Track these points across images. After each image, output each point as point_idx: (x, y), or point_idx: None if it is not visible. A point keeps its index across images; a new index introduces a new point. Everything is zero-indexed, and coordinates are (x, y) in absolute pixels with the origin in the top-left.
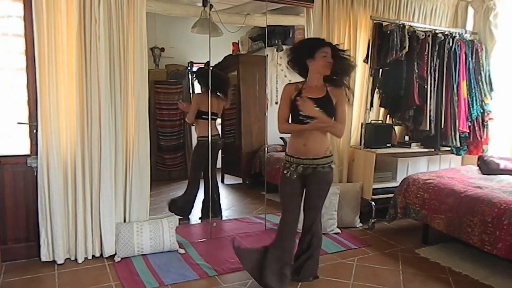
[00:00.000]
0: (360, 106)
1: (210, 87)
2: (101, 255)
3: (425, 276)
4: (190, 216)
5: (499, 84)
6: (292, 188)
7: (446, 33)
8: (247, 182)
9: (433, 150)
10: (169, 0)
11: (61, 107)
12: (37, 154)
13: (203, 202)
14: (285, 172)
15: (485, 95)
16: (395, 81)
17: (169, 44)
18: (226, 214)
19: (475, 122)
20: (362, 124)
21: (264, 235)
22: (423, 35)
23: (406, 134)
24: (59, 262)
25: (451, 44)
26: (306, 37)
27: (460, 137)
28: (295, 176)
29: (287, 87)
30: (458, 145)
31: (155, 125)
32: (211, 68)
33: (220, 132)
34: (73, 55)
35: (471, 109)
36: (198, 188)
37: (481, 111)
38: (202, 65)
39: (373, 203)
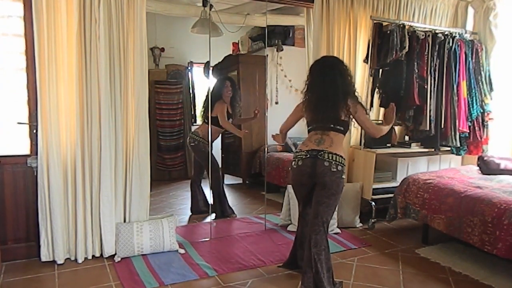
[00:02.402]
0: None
1: (210, 91)
2: (101, 255)
3: (425, 276)
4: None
5: (499, 84)
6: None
7: (446, 33)
8: (247, 182)
9: (433, 150)
10: (169, 0)
11: (61, 107)
12: (37, 154)
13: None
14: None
15: (485, 95)
16: (395, 81)
17: (169, 44)
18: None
19: (475, 122)
20: None
21: (264, 235)
22: (423, 35)
23: (406, 134)
24: (59, 262)
25: (451, 44)
26: (306, 37)
27: (460, 137)
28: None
29: None
30: (458, 145)
31: (155, 125)
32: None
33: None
34: (73, 55)
35: (471, 109)
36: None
37: (481, 111)
38: (202, 65)
39: (373, 203)
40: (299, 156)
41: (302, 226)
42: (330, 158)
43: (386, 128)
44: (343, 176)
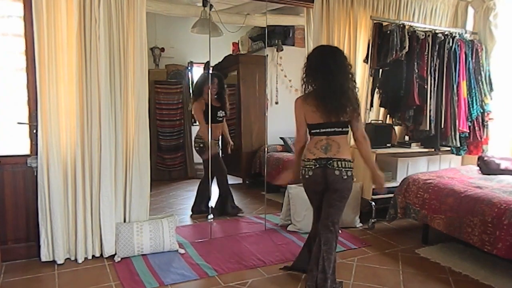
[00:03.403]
0: (360, 106)
1: (210, 90)
2: (101, 255)
3: (425, 276)
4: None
5: (499, 84)
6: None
7: (446, 33)
8: (247, 182)
9: (433, 150)
10: (169, 0)
11: (61, 107)
12: (37, 154)
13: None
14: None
15: (485, 95)
16: (395, 81)
17: (169, 44)
18: None
19: (475, 122)
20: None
21: (264, 235)
22: (423, 35)
23: (406, 134)
24: (59, 262)
25: (451, 44)
26: (306, 37)
27: (460, 137)
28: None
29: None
30: (458, 145)
31: (155, 125)
32: (211, 68)
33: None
34: (73, 55)
35: (471, 109)
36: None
37: (481, 111)
38: (202, 65)
39: (373, 203)
40: (308, 166)
41: (316, 230)
42: (340, 166)
43: (371, 157)
44: (353, 181)
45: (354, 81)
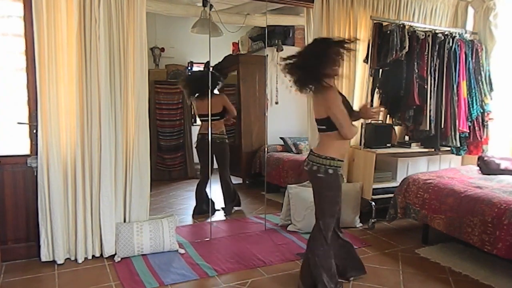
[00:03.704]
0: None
1: (210, 88)
2: (101, 255)
3: (425, 276)
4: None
5: (499, 84)
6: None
7: (446, 33)
8: (247, 182)
9: (433, 150)
10: (169, 0)
11: (61, 107)
12: (37, 154)
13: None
14: None
15: (485, 95)
16: (395, 81)
17: (169, 44)
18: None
19: (475, 122)
20: (362, 124)
21: (264, 235)
22: (423, 35)
23: (406, 134)
24: (59, 262)
25: (451, 44)
26: (306, 37)
27: (460, 137)
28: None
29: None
30: (458, 145)
31: (155, 125)
32: (211, 67)
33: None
34: (73, 55)
35: (471, 109)
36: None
37: (481, 111)
38: (202, 65)
39: (373, 203)
40: None
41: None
42: (308, 158)
43: (351, 133)
44: (319, 175)
45: (334, 69)
